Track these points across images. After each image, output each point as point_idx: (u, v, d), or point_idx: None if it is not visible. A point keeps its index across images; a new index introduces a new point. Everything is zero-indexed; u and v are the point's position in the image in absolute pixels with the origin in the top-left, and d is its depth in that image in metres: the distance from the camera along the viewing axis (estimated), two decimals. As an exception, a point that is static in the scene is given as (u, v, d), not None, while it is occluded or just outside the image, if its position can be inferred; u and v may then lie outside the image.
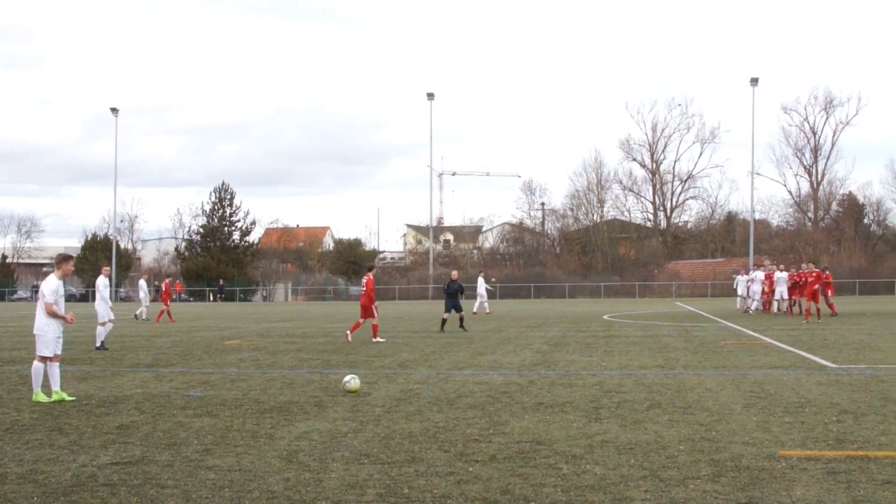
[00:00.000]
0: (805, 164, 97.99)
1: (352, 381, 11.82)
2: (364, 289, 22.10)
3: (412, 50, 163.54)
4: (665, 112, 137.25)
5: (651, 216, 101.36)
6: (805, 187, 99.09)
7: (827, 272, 33.63)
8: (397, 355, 17.75)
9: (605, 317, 34.64)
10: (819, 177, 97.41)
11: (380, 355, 17.78)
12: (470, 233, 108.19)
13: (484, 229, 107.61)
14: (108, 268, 22.73)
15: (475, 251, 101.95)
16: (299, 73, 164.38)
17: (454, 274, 27.69)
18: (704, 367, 14.58)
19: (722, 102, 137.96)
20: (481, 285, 39.42)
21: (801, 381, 12.55)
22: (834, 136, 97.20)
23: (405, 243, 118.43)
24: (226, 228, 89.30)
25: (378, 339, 21.35)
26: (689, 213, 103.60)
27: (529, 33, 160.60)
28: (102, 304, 20.16)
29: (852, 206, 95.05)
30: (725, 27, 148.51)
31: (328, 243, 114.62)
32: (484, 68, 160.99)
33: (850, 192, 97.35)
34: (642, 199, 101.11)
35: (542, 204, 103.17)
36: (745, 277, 38.56)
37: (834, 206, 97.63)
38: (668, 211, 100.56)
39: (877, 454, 7.47)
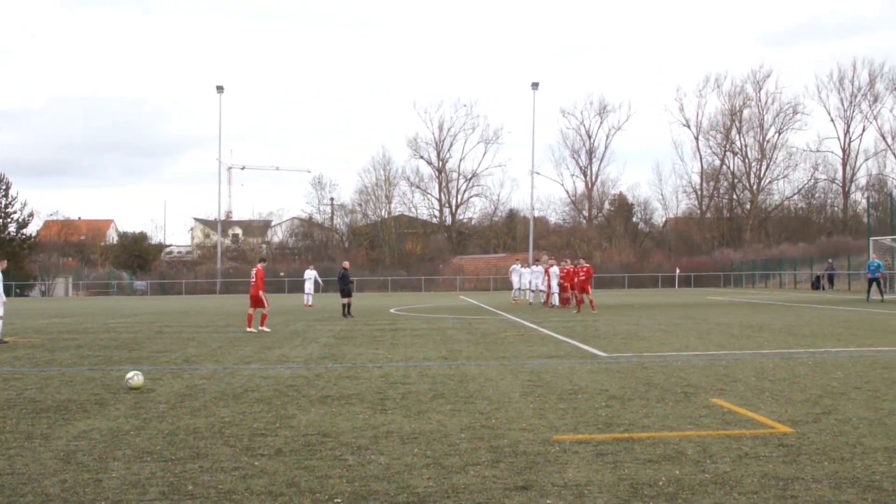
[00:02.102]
0: (581, 165, 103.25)
1: (135, 377, 11.49)
2: (253, 280, 23.36)
3: (201, 42, 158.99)
4: (451, 112, 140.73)
5: (437, 213, 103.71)
6: (580, 187, 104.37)
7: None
8: (182, 350, 17.33)
9: (392, 310, 35.07)
10: (593, 177, 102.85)
11: (165, 351, 17.32)
12: (259, 227, 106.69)
13: (273, 224, 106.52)
14: (4, 262, 21.49)
15: (264, 245, 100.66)
16: (82, 60, 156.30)
17: (346, 264, 31.21)
18: (486, 358, 15.08)
19: (505, 104, 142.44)
20: (309, 278, 41.32)
21: (575, 369, 13.25)
22: (607, 139, 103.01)
23: (192, 237, 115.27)
24: (0, 220, 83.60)
25: (264, 327, 22.73)
26: (473, 210, 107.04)
27: (318, 30, 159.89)
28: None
29: (622, 206, 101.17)
30: (509, 31, 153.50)
31: (112, 237, 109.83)
32: (275, 63, 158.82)
33: (621, 193, 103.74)
34: (429, 195, 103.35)
35: (332, 199, 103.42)
36: (527, 270, 40.27)
37: (606, 206, 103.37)
38: (454, 208, 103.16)
39: (641, 435, 8.02)
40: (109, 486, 6.45)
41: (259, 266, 23.95)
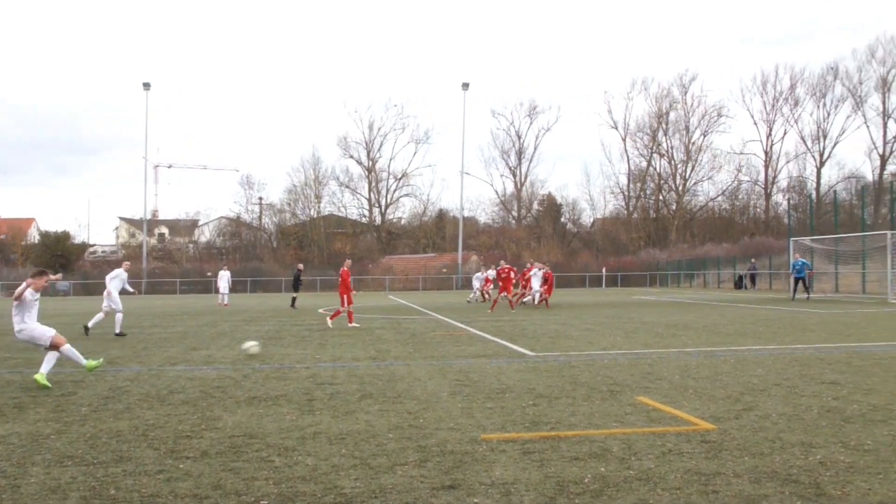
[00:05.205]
0: (510, 165, 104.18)
1: (253, 347, 11.38)
2: (340, 279, 24.61)
3: (128, 38, 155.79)
4: (382, 112, 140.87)
5: (366, 212, 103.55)
6: (510, 187, 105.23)
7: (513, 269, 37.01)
8: (106, 352, 16.99)
9: (320, 310, 34.86)
10: (522, 178, 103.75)
11: (87, 352, 16.85)
12: (186, 226, 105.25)
13: (200, 223, 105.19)
14: (128, 262, 23.09)
15: (191, 245, 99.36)
16: (6, 58, 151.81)
17: (301, 266, 40.03)
18: (414, 358, 15.09)
19: (436, 105, 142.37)
20: (222, 278, 43.68)
21: (503, 368, 13.33)
22: (536, 140, 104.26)
23: (118, 237, 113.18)
24: None
25: (330, 323, 23.85)
26: (403, 210, 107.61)
27: (249, 28, 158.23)
28: (117, 295, 22.06)
29: (551, 206, 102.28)
30: (440, 32, 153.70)
31: (33, 236, 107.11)
32: (204, 61, 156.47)
33: (550, 193, 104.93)
34: (358, 195, 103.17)
35: (260, 198, 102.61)
36: (482, 273, 41.85)
37: (535, 206, 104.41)
38: (383, 207, 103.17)
39: (567, 433, 8.10)
40: (28, 492, 6.30)
41: (344, 266, 24.93)
